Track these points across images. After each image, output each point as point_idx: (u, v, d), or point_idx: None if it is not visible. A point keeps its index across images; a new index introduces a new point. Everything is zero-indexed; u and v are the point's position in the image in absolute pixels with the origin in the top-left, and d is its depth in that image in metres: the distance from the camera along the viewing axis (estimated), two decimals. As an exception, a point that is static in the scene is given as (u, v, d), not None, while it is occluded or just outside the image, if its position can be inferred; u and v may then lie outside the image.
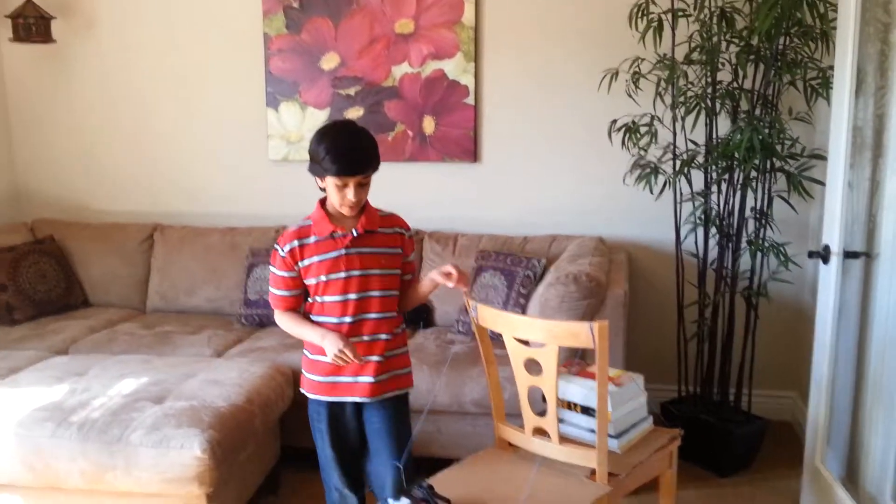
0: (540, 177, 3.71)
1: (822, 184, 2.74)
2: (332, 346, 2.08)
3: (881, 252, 2.48)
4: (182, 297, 3.78)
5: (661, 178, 3.15)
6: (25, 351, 3.18)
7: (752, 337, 3.20)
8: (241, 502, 2.67)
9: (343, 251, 2.13)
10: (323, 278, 2.13)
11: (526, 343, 2.23)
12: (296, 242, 2.13)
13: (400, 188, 3.76)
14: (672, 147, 3.20)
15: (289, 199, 3.95)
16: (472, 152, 3.69)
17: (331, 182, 2.07)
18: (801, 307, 3.54)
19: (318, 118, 3.80)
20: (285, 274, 2.16)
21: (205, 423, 2.39)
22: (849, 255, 2.57)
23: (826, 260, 2.60)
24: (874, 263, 2.53)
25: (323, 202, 2.19)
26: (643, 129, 3.14)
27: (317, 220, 2.16)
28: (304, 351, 2.24)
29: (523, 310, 3.14)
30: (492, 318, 2.18)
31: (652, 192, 3.17)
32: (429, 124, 3.73)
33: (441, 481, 2.09)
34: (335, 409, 2.20)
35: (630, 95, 3.23)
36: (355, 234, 2.14)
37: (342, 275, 2.13)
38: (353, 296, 2.14)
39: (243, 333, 3.47)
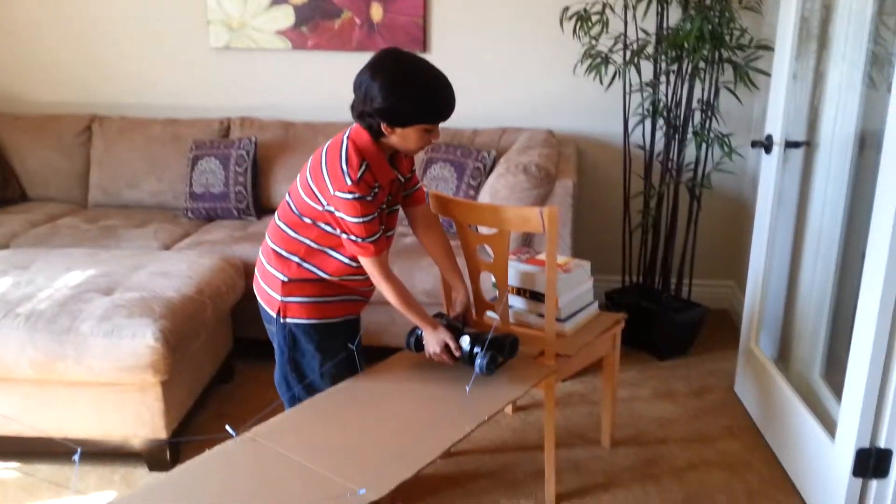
0: (490, 68, 3.66)
1: (768, 74, 2.77)
2: (437, 344, 2.02)
3: (821, 142, 2.55)
4: (124, 190, 3.69)
5: (611, 69, 3.15)
6: (-37, 246, 3.10)
7: (695, 227, 3.30)
8: (196, 391, 2.70)
9: (389, 197, 2.01)
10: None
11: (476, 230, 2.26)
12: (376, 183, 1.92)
13: (347, 78, 3.65)
14: (623, 37, 3.18)
15: (232, 89, 3.84)
16: (421, 41, 3.61)
17: (416, 128, 1.87)
18: (742, 199, 3.64)
19: (261, 3, 3.66)
20: (376, 214, 1.92)
21: (156, 312, 2.38)
22: (790, 144, 2.64)
23: (768, 149, 2.66)
24: (814, 154, 2.60)
25: (372, 138, 1.92)
26: (595, 18, 3.10)
27: (377, 162, 1.91)
28: (317, 273, 2.02)
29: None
30: (443, 204, 2.20)
31: (602, 83, 3.17)
32: (377, 11, 3.61)
33: (394, 362, 2.16)
34: (339, 326, 2.09)
35: (582, -17, 3.18)
36: (402, 179, 2.05)
37: (384, 216, 2.01)
38: (385, 236, 2.02)
39: (190, 227, 3.43)
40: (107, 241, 3.21)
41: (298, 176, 2.02)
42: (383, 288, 2.00)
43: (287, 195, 2.06)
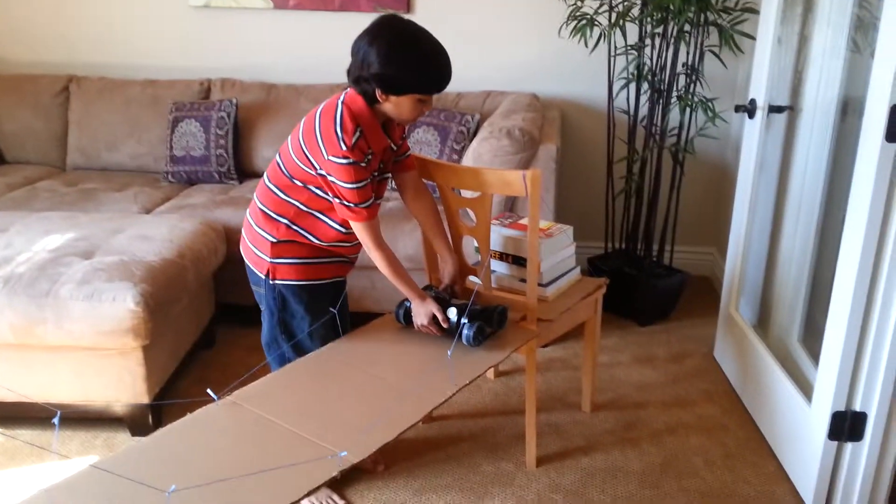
0: (475, 30, 3.62)
1: (753, 38, 2.76)
2: (425, 315, 2.02)
3: (804, 107, 2.55)
4: (104, 153, 3.64)
5: (596, 31, 3.12)
6: (-61, 208, 3.05)
7: (677, 193, 3.30)
8: (178, 356, 2.69)
9: (381, 165, 2.01)
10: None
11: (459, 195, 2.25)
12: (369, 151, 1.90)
13: (330, 39, 3.62)
14: (608, -1, 3.15)
15: (212, 49, 3.78)
16: (405, 2, 3.56)
17: (410, 98, 1.86)
18: (724, 166, 3.64)
19: (241, -37, 3.59)
20: (369, 180, 1.92)
21: (136, 276, 2.36)
22: (773, 109, 2.63)
23: (751, 114, 2.66)
24: (797, 119, 2.60)
25: (367, 104, 1.89)
26: (580, -21, 3.07)
27: (371, 129, 1.90)
28: (306, 236, 2.03)
29: (456, 166, 3.14)
30: (426, 167, 2.18)
31: (587, 46, 3.14)
32: (359, -28, 3.56)
33: (376, 327, 2.16)
34: (328, 287, 2.11)
35: (568, -56, 3.14)
36: (394, 147, 2.03)
37: (375, 183, 1.99)
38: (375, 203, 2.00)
39: (171, 191, 3.40)
40: (86, 204, 3.18)
41: (290, 138, 2.00)
42: (374, 255, 2.00)
43: (277, 156, 2.04)
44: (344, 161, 1.85)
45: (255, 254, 2.08)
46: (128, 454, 1.57)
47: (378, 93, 1.85)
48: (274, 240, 2.03)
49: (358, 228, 1.97)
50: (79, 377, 2.40)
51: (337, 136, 1.85)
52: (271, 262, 2.04)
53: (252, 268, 2.11)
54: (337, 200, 1.93)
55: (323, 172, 1.92)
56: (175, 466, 1.51)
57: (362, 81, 1.85)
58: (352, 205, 1.91)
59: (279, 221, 2.02)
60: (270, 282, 2.06)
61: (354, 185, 1.88)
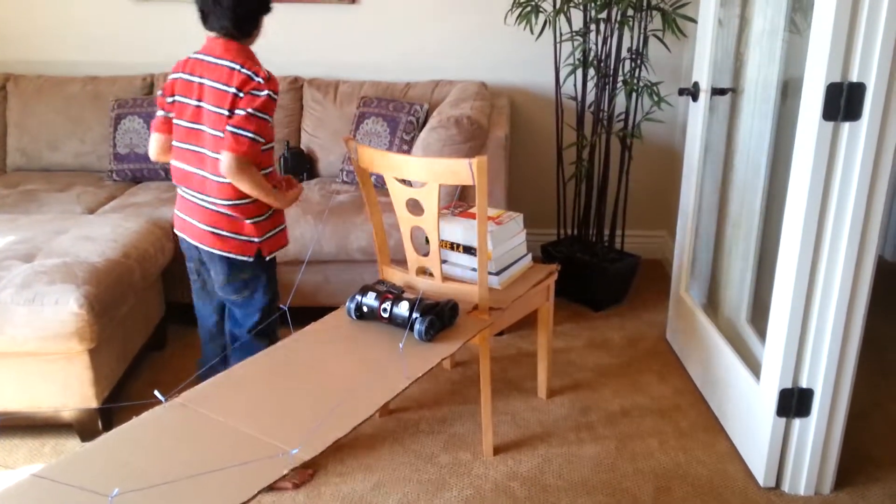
0: (422, 18, 3.59)
1: (695, 21, 2.78)
2: (290, 200, 2.16)
3: (746, 88, 2.58)
4: (45, 153, 3.54)
5: (541, 18, 3.12)
6: None
7: (626, 178, 3.32)
8: (127, 358, 2.63)
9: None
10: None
11: (408, 185, 2.23)
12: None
13: (275, 32, 3.55)
14: (553, -14, 3.15)
15: (154, 43, 3.69)
16: (349, -7, 3.53)
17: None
18: (672, 149, 3.68)
19: (181, -45, 3.51)
20: (271, 122, 2.05)
21: (79, 278, 2.30)
22: (716, 91, 2.66)
23: (695, 97, 2.68)
24: (739, 100, 2.63)
25: (241, 44, 2.05)
26: (524, -34, 3.06)
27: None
28: (262, 211, 2.13)
29: (406, 156, 3.13)
30: (372, 158, 2.16)
31: (532, 32, 3.14)
32: (302, -38, 3.50)
33: (328, 322, 2.13)
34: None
35: (511, -69, 3.13)
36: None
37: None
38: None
39: (116, 189, 3.32)
40: (27, 206, 3.09)
41: (203, 126, 2.03)
42: (241, 179, 1.98)
43: (205, 152, 2.05)
44: (267, 91, 1.96)
45: (239, 241, 2.12)
46: (70, 460, 1.53)
47: (261, 20, 2.04)
48: (260, 218, 2.11)
49: (230, 159, 1.95)
50: (23, 383, 2.34)
51: (250, 75, 1.96)
52: (260, 240, 2.14)
53: (235, 257, 2.14)
54: (232, 129, 1.95)
55: (237, 110, 1.95)
56: (120, 471, 1.47)
57: (247, 20, 2.00)
58: (247, 133, 1.94)
59: (249, 204, 2.09)
60: (266, 258, 2.17)
61: (266, 117, 1.96)
